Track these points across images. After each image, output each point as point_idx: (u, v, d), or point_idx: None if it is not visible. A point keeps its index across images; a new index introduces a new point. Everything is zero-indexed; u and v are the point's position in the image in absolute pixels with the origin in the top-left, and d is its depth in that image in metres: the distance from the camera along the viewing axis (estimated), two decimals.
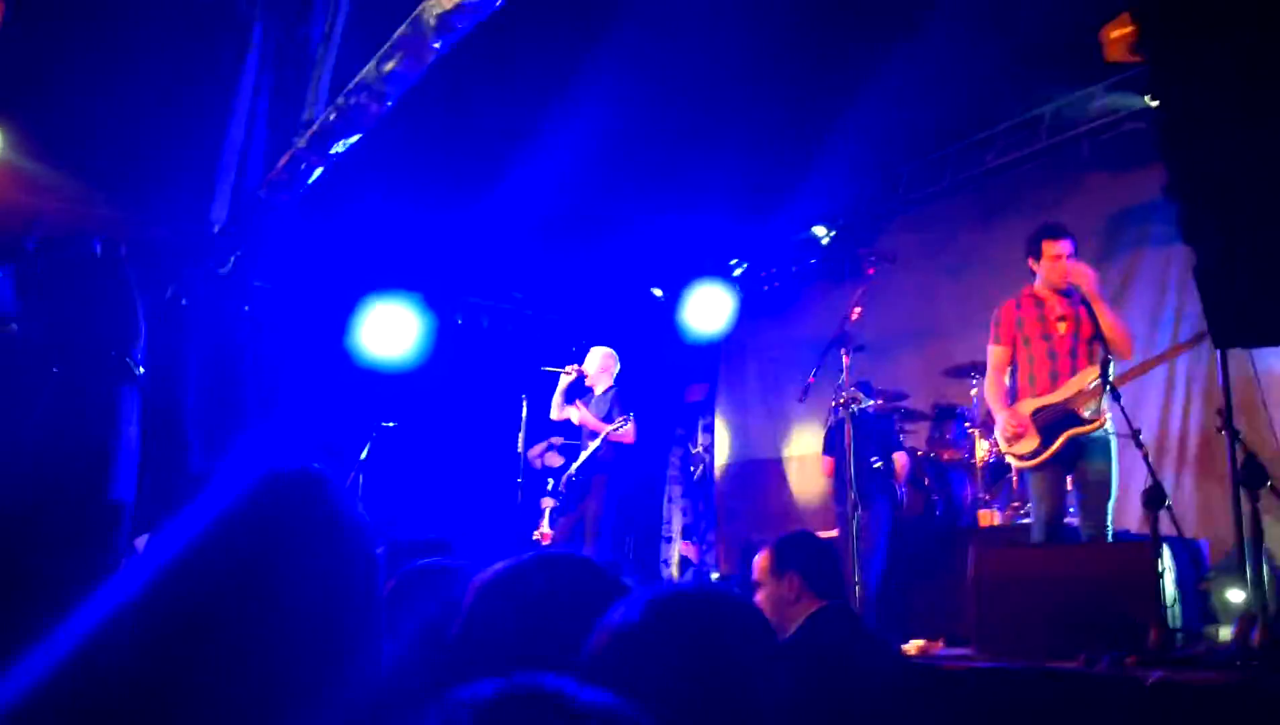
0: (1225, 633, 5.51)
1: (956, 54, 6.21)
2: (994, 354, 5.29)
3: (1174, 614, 3.25)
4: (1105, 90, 6.91)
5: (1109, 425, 4.76)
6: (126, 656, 0.90)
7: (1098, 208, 7.27)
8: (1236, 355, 5.89)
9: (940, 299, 8.05)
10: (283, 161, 6.05)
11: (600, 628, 1.23)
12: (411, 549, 2.26)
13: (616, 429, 6.78)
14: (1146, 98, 6.46)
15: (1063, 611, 3.40)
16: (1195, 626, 4.38)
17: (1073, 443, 4.79)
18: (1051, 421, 4.87)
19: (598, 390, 7.18)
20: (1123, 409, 4.34)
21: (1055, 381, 5.00)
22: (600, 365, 7.21)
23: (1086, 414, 4.79)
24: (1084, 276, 4.97)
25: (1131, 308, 6.86)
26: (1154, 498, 3.21)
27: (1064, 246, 5.13)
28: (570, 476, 6.86)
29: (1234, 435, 2.90)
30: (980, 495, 6.54)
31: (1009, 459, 5.14)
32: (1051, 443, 4.77)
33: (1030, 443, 4.89)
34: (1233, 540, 4.45)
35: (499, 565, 1.43)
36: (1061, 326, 5.07)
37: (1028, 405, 5.05)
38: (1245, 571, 4.14)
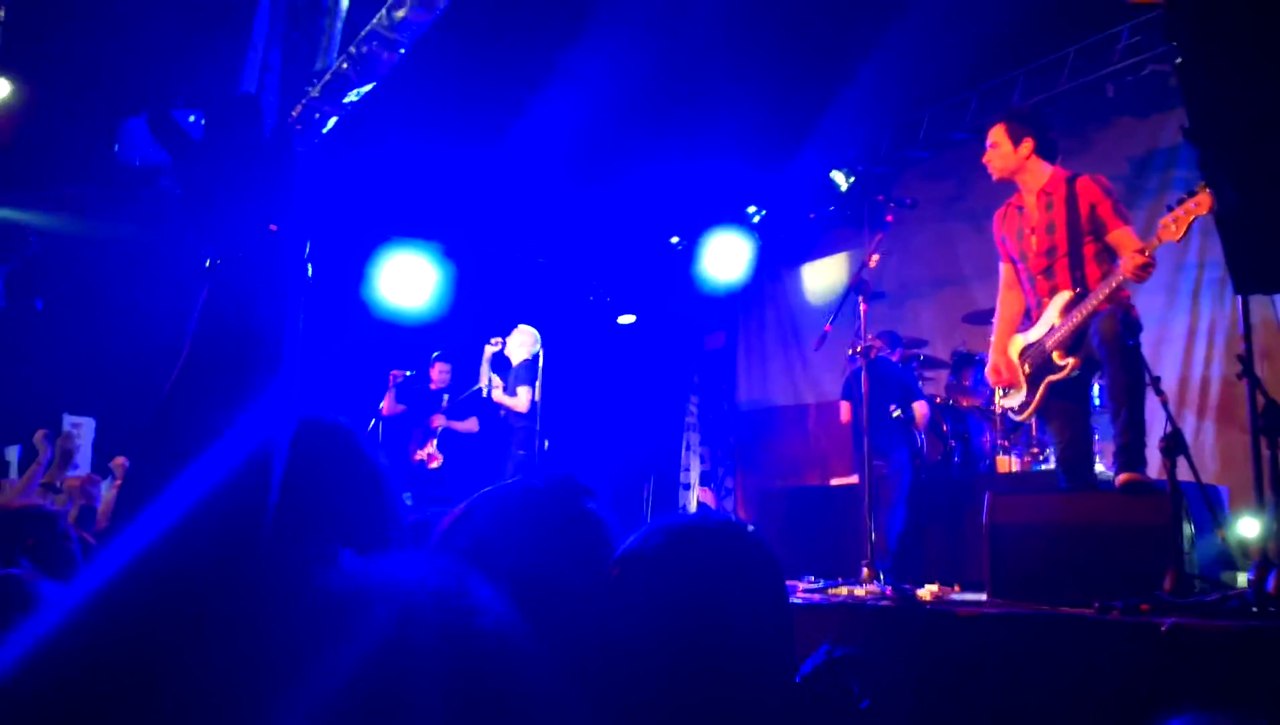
0: (1244, 579, 5.52)
1: None
2: (1000, 275, 4.53)
3: (1191, 561, 3.25)
4: (1129, 32, 6.77)
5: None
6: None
7: (1122, 152, 7.17)
8: (1259, 301, 5.84)
9: (961, 245, 7.99)
10: (296, 111, 6.04)
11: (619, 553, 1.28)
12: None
13: (508, 398, 7.42)
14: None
15: (1078, 558, 3.41)
16: (1213, 573, 4.37)
17: (1055, 391, 4.10)
18: (1035, 366, 4.18)
19: (514, 362, 7.64)
20: (1126, 340, 3.67)
21: (1033, 313, 4.26)
22: (518, 341, 7.68)
23: (1057, 357, 4.03)
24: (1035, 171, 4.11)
25: (1155, 254, 6.78)
26: (1173, 445, 3.19)
27: (990, 135, 4.30)
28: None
29: (1254, 381, 2.87)
30: (999, 442, 6.54)
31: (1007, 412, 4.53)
32: (1035, 394, 4.15)
33: (1018, 394, 4.27)
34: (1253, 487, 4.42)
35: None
36: (1034, 241, 4.19)
37: (1016, 344, 4.33)
38: (1264, 518, 4.12)
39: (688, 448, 8.88)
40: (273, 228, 1.02)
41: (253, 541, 0.90)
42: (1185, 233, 3.60)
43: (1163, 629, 2.54)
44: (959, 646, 2.88)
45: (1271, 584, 2.72)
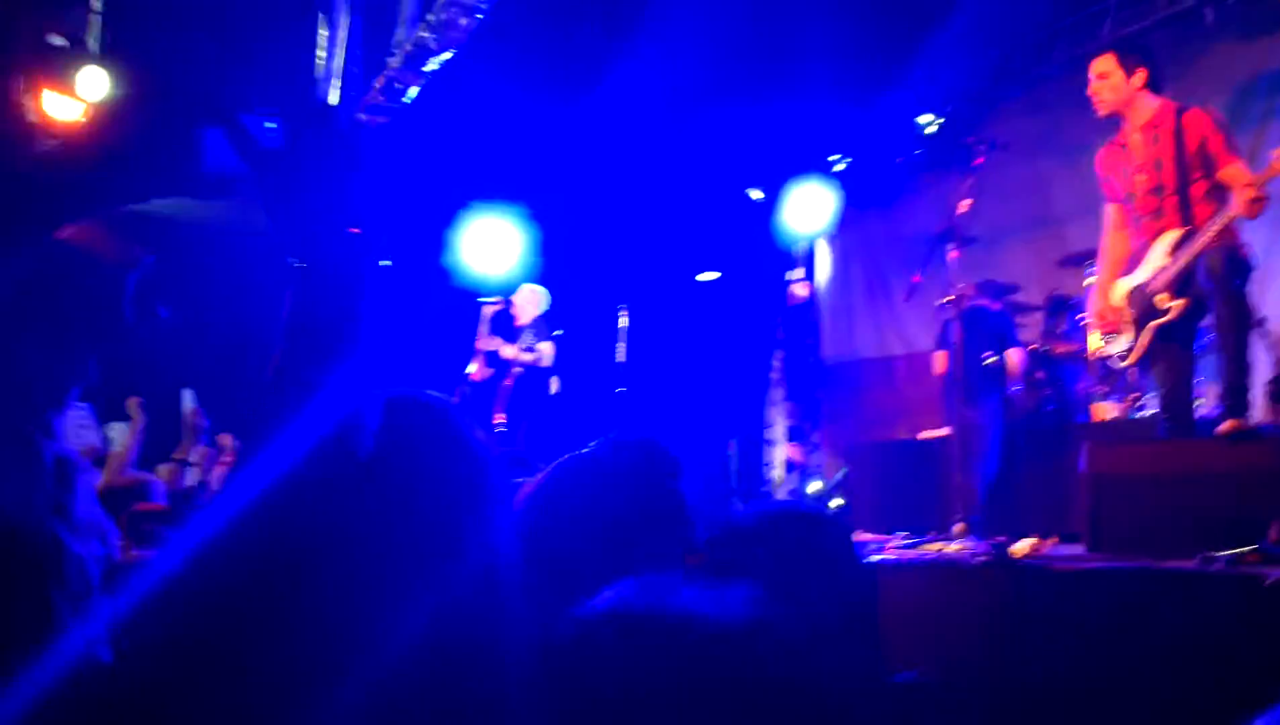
0: None
1: None
2: (1105, 216, 4.36)
3: None
4: None
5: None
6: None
7: (1224, 78, 6.83)
8: None
9: (1055, 185, 7.73)
10: (378, 83, 6.11)
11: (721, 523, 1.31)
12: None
13: (529, 356, 7.30)
14: None
15: (1181, 509, 3.31)
16: None
17: (1161, 335, 3.95)
18: (1141, 310, 4.03)
19: (522, 320, 7.53)
20: (1232, 282, 3.50)
21: (1139, 255, 4.09)
22: (526, 298, 7.56)
23: (1164, 298, 3.85)
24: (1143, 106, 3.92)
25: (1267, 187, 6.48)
26: (1278, 387, 3.07)
27: (1097, 65, 4.11)
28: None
29: None
30: (1095, 388, 6.36)
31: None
32: (1139, 339, 3.99)
33: (1125, 339, 4.11)
34: None
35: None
36: (1141, 180, 4.02)
37: (1121, 287, 4.17)
38: None
39: (773, 403, 8.83)
40: (353, 231, 1.14)
41: (349, 492, 1.08)
42: None
43: (1267, 582, 2.46)
44: (1054, 604, 2.83)
45: None
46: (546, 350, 7.30)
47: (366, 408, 1.13)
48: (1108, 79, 4.05)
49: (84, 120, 5.60)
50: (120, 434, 5.15)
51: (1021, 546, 3.70)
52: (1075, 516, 3.81)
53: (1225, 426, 3.48)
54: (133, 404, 5.13)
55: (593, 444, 1.53)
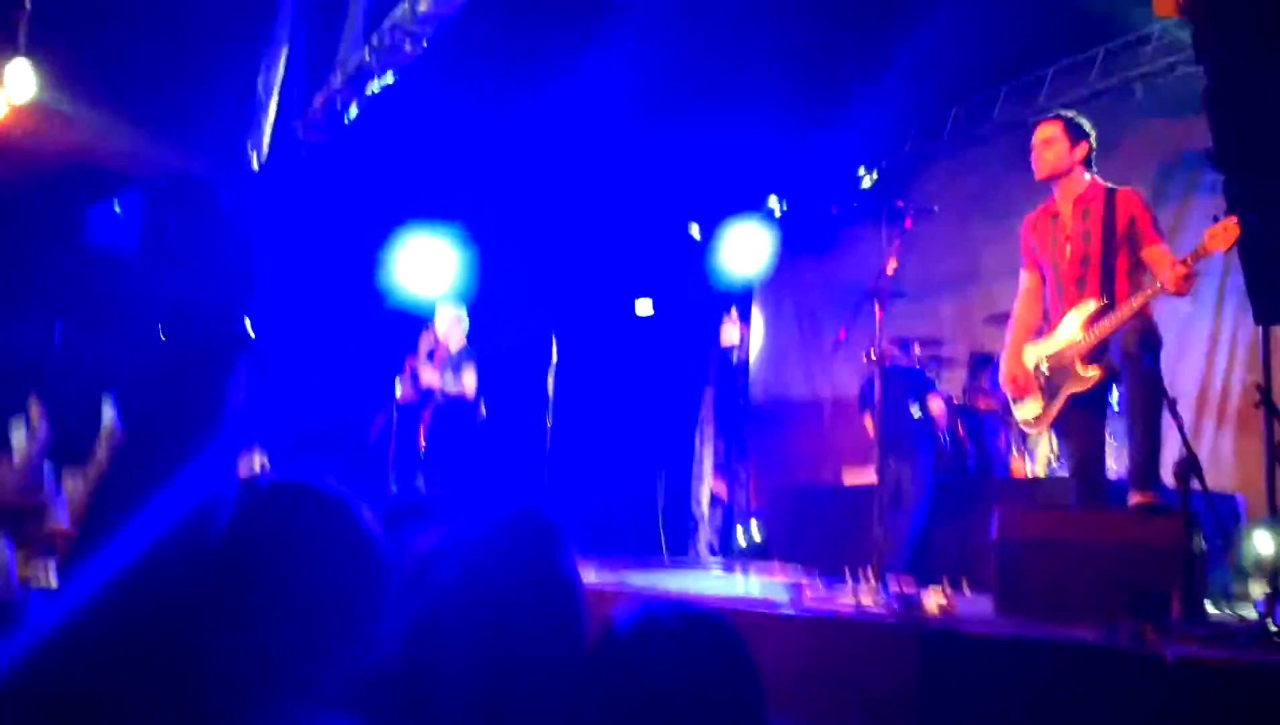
0: (1257, 590, 5.48)
1: None
2: (1020, 282, 4.43)
3: (1203, 582, 3.22)
4: (1160, 33, 6.68)
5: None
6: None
7: (1150, 154, 7.08)
8: None
9: (983, 245, 7.91)
10: (319, 100, 6.05)
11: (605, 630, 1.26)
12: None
13: (454, 388, 7.12)
14: None
15: (1086, 576, 3.39)
16: (1226, 584, 4.34)
17: (1075, 402, 4.02)
18: (1054, 376, 4.11)
19: (453, 348, 7.32)
20: (1144, 358, 3.61)
21: (1052, 321, 4.17)
22: (450, 324, 7.35)
23: (1080, 367, 3.94)
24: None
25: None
26: (1186, 468, 3.17)
27: (1043, 130, 4.20)
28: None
29: (1271, 411, 2.83)
30: (1015, 445, 6.51)
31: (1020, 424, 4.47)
32: (1052, 405, 4.08)
33: (1034, 405, 4.20)
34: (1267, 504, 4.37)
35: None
36: (1068, 250, 4.09)
37: (1032, 353, 4.25)
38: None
39: (703, 438, 8.87)
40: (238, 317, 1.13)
41: (197, 579, 1.04)
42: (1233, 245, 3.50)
43: (1169, 660, 2.52)
44: (958, 668, 2.88)
45: None
46: (469, 383, 7.16)
47: (224, 492, 1.08)
48: (1052, 146, 4.16)
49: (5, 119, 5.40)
50: (19, 440, 4.79)
51: (932, 599, 3.74)
52: (988, 566, 3.86)
53: (1135, 500, 3.58)
54: (33, 407, 4.76)
55: (466, 515, 1.48)
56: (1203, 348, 6.74)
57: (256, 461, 5.20)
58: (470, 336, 7.48)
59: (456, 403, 7.18)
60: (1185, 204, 6.94)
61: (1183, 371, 6.53)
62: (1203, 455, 6.45)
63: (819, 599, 3.99)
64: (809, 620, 3.40)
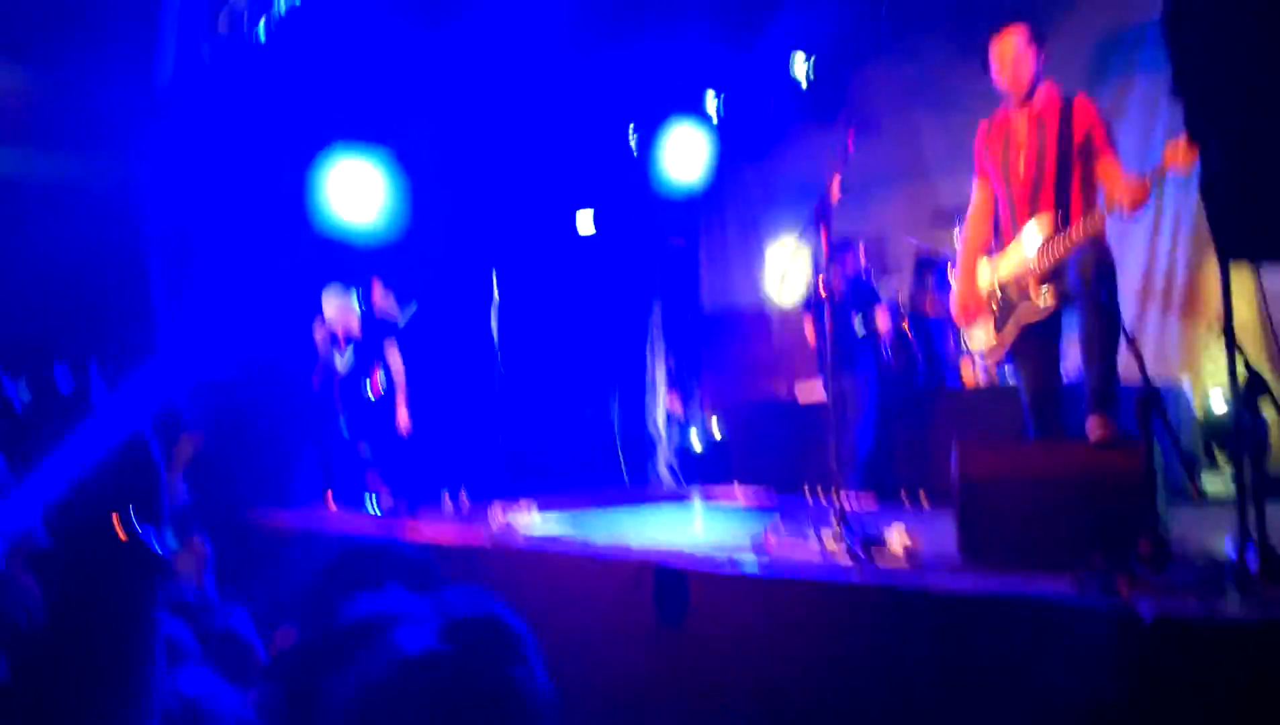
0: (1212, 484, 5.51)
1: None
2: (973, 191, 4.21)
3: (1165, 524, 3.20)
4: None
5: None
6: None
7: (1087, 32, 6.89)
8: None
9: (927, 137, 7.75)
10: (223, 22, 5.70)
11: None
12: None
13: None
14: None
15: (1050, 516, 3.34)
16: (1176, 481, 4.31)
17: (1028, 332, 3.93)
18: (1007, 302, 3.99)
19: (352, 334, 7.00)
20: (1100, 293, 3.49)
21: (1005, 237, 4.00)
22: (340, 313, 6.97)
23: (1034, 295, 3.83)
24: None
25: (1121, 138, 6.59)
26: (1148, 405, 3.11)
27: (1009, 40, 3.93)
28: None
29: (1232, 350, 2.76)
30: (965, 348, 6.47)
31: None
32: (1004, 333, 3.98)
33: (986, 333, 4.08)
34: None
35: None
36: (1020, 163, 3.92)
37: (984, 273, 4.08)
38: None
39: (654, 354, 8.76)
40: None
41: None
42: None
43: (1146, 623, 2.49)
44: (928, 630, 2.85)
45: (1253, 563, 2.67)
46: (395, 362, 6.92)
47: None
48: (1022, 62, 3.91)
49: None
50: None
51: (896, 540, 3.69)
52: (944, 475, 3.79)
53: (1096, 434, 3.53)
54: None
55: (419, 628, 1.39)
56: (1146, 231, 6.70)
57: (188, 445, 5.00)
58: (407, 275, 7.24)
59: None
60: (1127, 83, 6.81)
61: (1126, 255, 6.48)
62: (1148, 341, 6.49)
63: (783, 546, 3.94)
64: (773, 582, 3.34)
